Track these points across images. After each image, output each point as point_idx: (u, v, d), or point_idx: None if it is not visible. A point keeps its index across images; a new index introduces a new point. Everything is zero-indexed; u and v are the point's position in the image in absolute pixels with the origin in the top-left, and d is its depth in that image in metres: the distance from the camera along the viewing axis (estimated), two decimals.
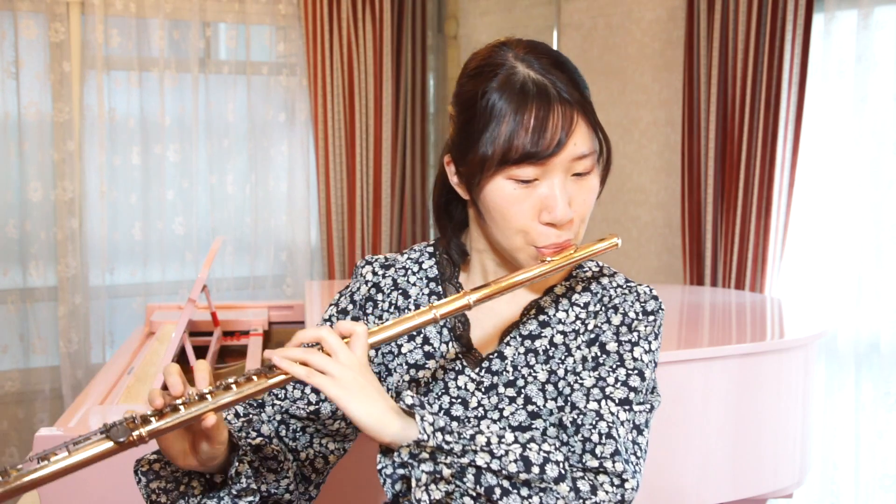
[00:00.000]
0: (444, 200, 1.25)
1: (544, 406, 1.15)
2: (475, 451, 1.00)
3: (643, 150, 3.98)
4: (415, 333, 1.24)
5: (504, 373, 1.18)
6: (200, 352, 2.73)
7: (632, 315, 1.16)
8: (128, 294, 4.01)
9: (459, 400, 1.19)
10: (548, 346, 1.18)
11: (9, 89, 3.69)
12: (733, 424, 2.47)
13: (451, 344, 1.22)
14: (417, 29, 4.44)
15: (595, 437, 1.08)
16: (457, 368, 1.20)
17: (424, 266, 1.28)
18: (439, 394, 1.20)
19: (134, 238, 3.95)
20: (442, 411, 1.19)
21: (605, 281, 1.21)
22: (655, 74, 3.89)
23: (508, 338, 1.19)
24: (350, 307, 1.28)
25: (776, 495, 2.64)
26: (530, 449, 1.02)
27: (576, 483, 1.04)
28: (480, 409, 1.17)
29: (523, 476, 1.00)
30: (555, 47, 4.68)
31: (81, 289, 3.85)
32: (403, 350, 1.24)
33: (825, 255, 3.36)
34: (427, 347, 1.23)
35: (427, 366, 1.22)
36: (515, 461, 1.00)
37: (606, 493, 1.04)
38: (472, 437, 1.01)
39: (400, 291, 1.26)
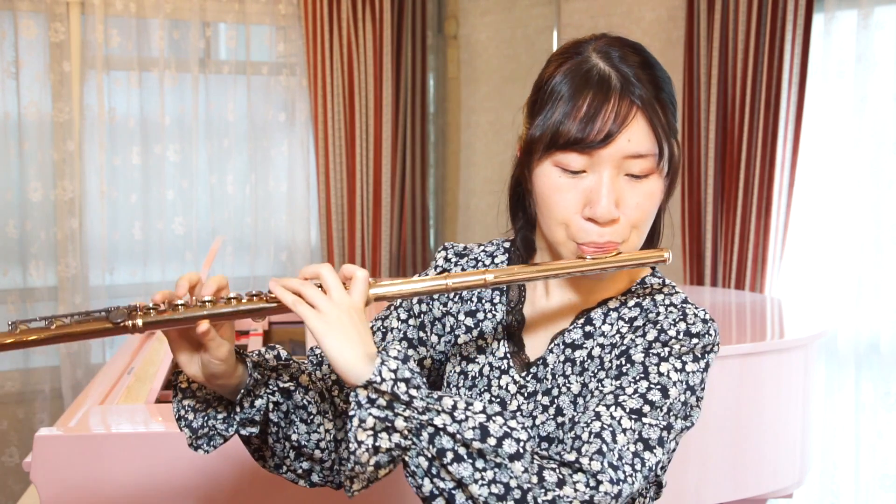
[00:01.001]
0: (518, 193, 1.22)
1: (573, 419, 1.11)
2: (438, 412, 0.96)
3: None
4: (472, 326, 1.22)
5: (544, 380, 1.15)
6: None
7: (671, 333, 1.09)
8: (128, 294, 4.00)
9: (498, 400, 1.17)
10: (585, 358, 1.13)
11: (9, 89, 3.69)
12: (733, 424, 2.47)
13: (503, 342, 1.20)
14: (417, 29, 4.44)
15: (585, 436, 1.02)
16: (502, 368, 1.18)
17: (497, 259, 1.26)
18: (482, 390, 1.18)
19: (134, 238, 3.95)
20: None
21: (659, 298, 1.14)
22: None
23: (553, 345, 1.16)
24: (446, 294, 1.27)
25: (776, 495, 2.64)
26: (494, 421, 0.97)
27: (542, 471, 0.97)
28: (519, 413, 1.15)
29: (477, 445, 0.95)
30: (555, 47, 4.66)
31: (81, 289, 3.85)
32: (460, 341, 1.22)
33: (825, 255, 3.36)
34: (480, 342, 1.21)
35: (477, 360, 1.20)
36: (473, 428, 0.96)
37: (575, 490, 0.97)
38: (440, 399, 0.98)
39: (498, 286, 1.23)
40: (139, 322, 1.01)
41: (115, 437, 1.86)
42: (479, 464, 0.95)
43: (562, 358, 1.15)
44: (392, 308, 1.28)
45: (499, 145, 4.39)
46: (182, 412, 1.15)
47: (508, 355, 1.19)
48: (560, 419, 1.12)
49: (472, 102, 4.54)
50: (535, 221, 1.18)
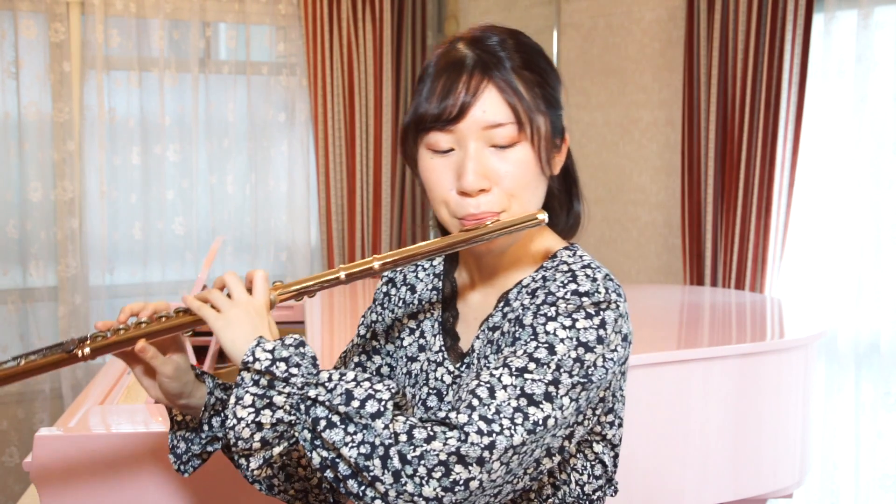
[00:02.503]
0: None
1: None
2: (315, 385, 1.02)
3: (643, 150, 3.98)
4: (414, 327, 1.27)
5: (473, 365, 1.19)
6: (201, 352, 2.73)
7: (559, 294, 1.08)
8: (128, 294, 4.01)
9: (435, 392, 1.21)
10: (500, 336, 1.16)
11: (9, 89, 3.69)
12: (733, 424, 2.47)
13: (438, 337, 1.24)
14: (417, 29, 4.44)
15: (463, 395, 1.03)
16: (438, 361, 1.22)
17: (435, 262, 1.31)
18: (421, 385, 1.23)
19: (134, 238, 3.95)
20: (421, 402, 1.22)
21: (562, 267, 1.14)
22: (655, 74, 3.89)
23: (479, 331, 1.20)
24: (373, 302, 1.36)
25: (776, 495, 2.64)
26: (360, 385, 1.01)
27: (413, 430, 0.98)
28: (454, 401, 1.18)
29: (342, 409, 0.99)
30: (555, 47, 4.66)
31: (81, 289, 3.85)
32: (405, 343, 1.27)
33: (825, 255, 3.36)
34: (421, 340, 1.26)
35: (419, 358, 1.25)
36: (341, 395, 1.00)
37: (443, 443, 0.97)
38: (318, 374, 1.04)
39: (408, 287, 1.31)
40: (87, 350, 1.12)
41: (115, 437, 1.86)
42: (350, 428, 0.99)
43: (485, 341, 1.18)
44: (359, 327, 1.37)
45: None
46: (175, 442, 1.25)
47: (444, 349, 1.23)
48: None
49: None
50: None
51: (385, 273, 1.31)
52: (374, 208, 4.31)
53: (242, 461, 1.04)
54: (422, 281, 1.30)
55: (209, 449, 1.23)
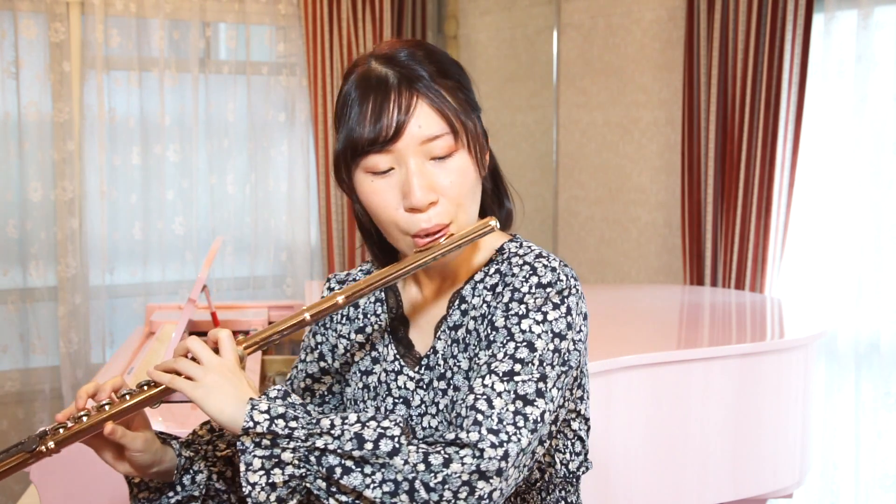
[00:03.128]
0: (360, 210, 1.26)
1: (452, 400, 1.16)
2: (319, 435, 1.02)
3: (643, 150, 3.98)
4: (363, 341, 1.27)
5: (436, 367, 1.19)
6: None
7: (524, 290, 1.12)
8: (128, 294, 4.01)
9: (402, 400, 1.21)
10: (465, 334, 1.17)
11: (9, 89, 3.69)
12: (733, 424, 2.47)
13: (390, 346, 1.24)
14: (417, 29, 4.44)
15: (463, 412, 1.06)
16: (396, 369, 1.22)
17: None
18: (384, 396, 1.22)
19: (134, 238, 3.95)
20: (388, 412, 1.21)
21: (515, 260, 1.17)
22: (655, 74, 3.89)
23: (440, 332, 1.20)
24: (315, 325, 1.34)
25: (776, 495, 2.64)
26: (368, 427, 1.02)
27: (427, 457, 1.01)
28: (423, 406, 1.19)
29: (357, 453, 1.00)
30: (555, 47, 4.66)
31: (81, 289, 3.85)
32: (356, 359, 1.27)
33: (825, 255, 3.36)
34: (374, 353, 1.26)
35: (374, 371, 1.25)
36: (350, 439, 1.01)
37: (463, 464, 1.00)
38: (318, 422, 1.04)
39: (351, 303, 1.29)
40: (51, 444, 1.09)
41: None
42: (367, 469, 1.01)
43: (449, 342, 1.19)
44: (300, 352, 1.36)
45: (498, 145, 4.38)
46: None
47: (399, 357, 1.23)
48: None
49: None
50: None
51: (325, 293, 1.33)
52: None
53: None
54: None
55: None
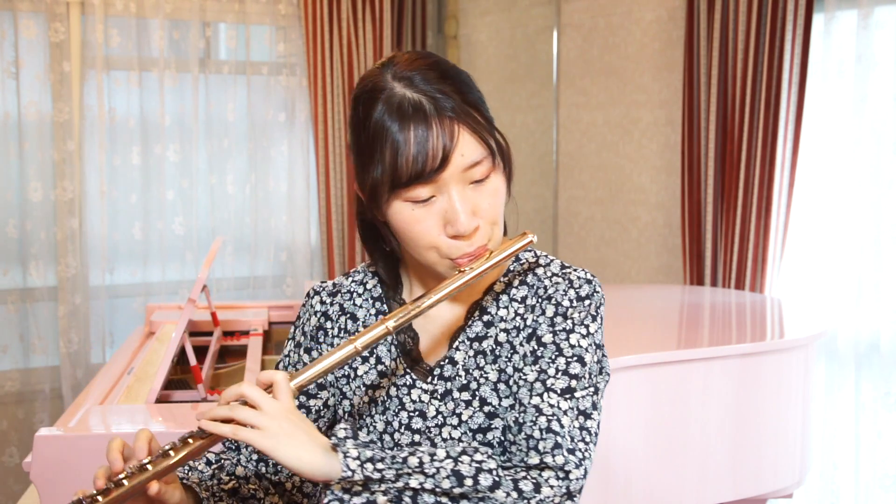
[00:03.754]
0: (368, 222, 1.23)
1: (500, 405, 1.15)
2: (409, 474, 1.01)
3: (643, 150, 3.98)
4: (368, 354, 1.24)
5: (457, 377, 1.18)
6: (200, 352, 2.73)
7: (565, 304, 1.16)
8: (128, 294, 4.01)
9: (417, 413, 1.19)
10: (494, 346, 1.18)
11: (9, 89, 3.69)
12: (733, 424, 2.47)
13: (398, 360, 1.22)
14: (417, 29, 4.44)
15: (536, 434, 1.08)
16: (408, 383, 1.21)
17: (368, 286, 1.28)
18: (396, 410, 1.20)
19: (134, 238, 3.95)
20: (403, 426, 1.19)
21: (539, 271, 1.20)
22: (655, 74, 3.89)
23: (457, 342, 1.19)
24: (303, 339, 1.29)
25: (776, 495, 2.64)
26: (461, 462, 1.02)
27: (517, 484, 1.04)
28: (439, 417, 1.18)
29: (457, 490, 1.01)
30: (555, 47, 4.65)
31: (81, 289, 3.85)
32: (359, 372, 1.24)
33: (825, 255, 3.36)
34: (380, 367, 1.23)
35: (381, 384, 1.23)
36: (448, 477, 1.01)
37: (551, 487, 1.04)
38: (405, 460, 1.02)
39: (348, 316, 1.27)
40: None
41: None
42: (463, 503, 1.02)
43: (471, 353, 1.18)
44: (281, 367, 1.31)
45: None
46: None
47: (408, 370, 1.21)
48: (487, 408, 1.16)
49: None
50: (394, 250, 1.23)
51: (315, 308, 1.29)
52: None
53: None
54: (361, 307, 1.27)
55: None
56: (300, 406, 1.27)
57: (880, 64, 3.14)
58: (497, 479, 1.02)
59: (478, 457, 1.03)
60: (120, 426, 2.02)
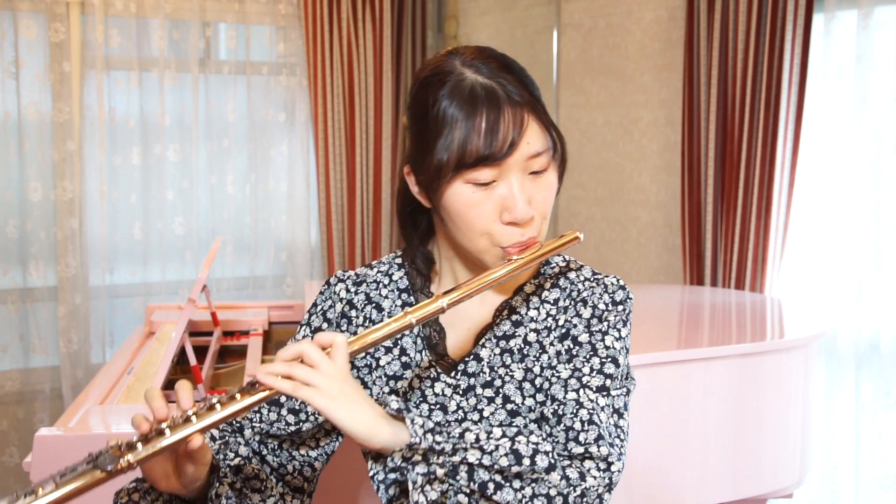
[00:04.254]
0: (409, 210, 1.25)
1: (523, 404, 1.16)
2: (465, 449, 1.01)
3: (643, 150, 3.98)
4: (391, 345, 1.24)
5: (481, 374, 1.19)
6: (200, 352, 2.73)
7: (601, 307, 1.18)
8: (128, 294, 4.01)
9: (438, 406, 1.20)
10: (522, 345, 1.19)
11: (9, 89, 3.69)
12: (733, 424, 2.47)
13: (423, 353, 1.23)
14: (417, 29, 4.44)
15: (577, 425, 1.09)
16: (432, 376, 1.21)
17: (395, 278, 1.28)
18: (417, 402, 1.21)
19: (134, 238, 3.95)
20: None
21: (572, 276, 1.23)
22: (655, 74, 3.89)
23: (483, 340, 1.20)
24: (325, 325, 1.28)
25: (776, 495, 2.64)
26: (519, 442, 1.03)
27: (565, 471, 1.05)
28: (460, 412, 1.18)
29: (515, 469, 1.01)
30: (555, 47, 4.66)
31: (81, 289, 3.85)
32: (381, 363, 1.24)
33: (825, 255, 3.36)
34: (404, 358, 1.23)
35: (404, 376, 1.23)
36: (506, 455, 1.01)
37: (594, 477, 1.06)
38: (462, 435, 1.03)
39: (373, 305, 1.27)
40: (131, 460, 0.97)
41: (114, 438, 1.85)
42: (516, 484, 1.02)
43: (497, 351, 1.19)
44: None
45: None
46: None
47: (433, 363, 1.22)
48: (510, 406, 1.17)
49: None
50: (430, 236, 1.27)
51: (340, 295, 1.29)
52: (374, 208, 4.31)
53: None
54: (387, 298, 1.27)
55: None
56: None
57: (880, 64, 3.14)
58: (553, 461, 1.03)
59: (533, 438, 1.04)
60: (120, 426, 2.02)
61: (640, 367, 2.31)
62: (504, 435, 1.03)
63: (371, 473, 1.01)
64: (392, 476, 1.01)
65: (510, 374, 1.18)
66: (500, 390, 1.17)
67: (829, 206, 3.33)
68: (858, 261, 3.22)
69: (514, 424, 1.16)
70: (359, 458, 1.92)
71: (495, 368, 1.18)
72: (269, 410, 1.24)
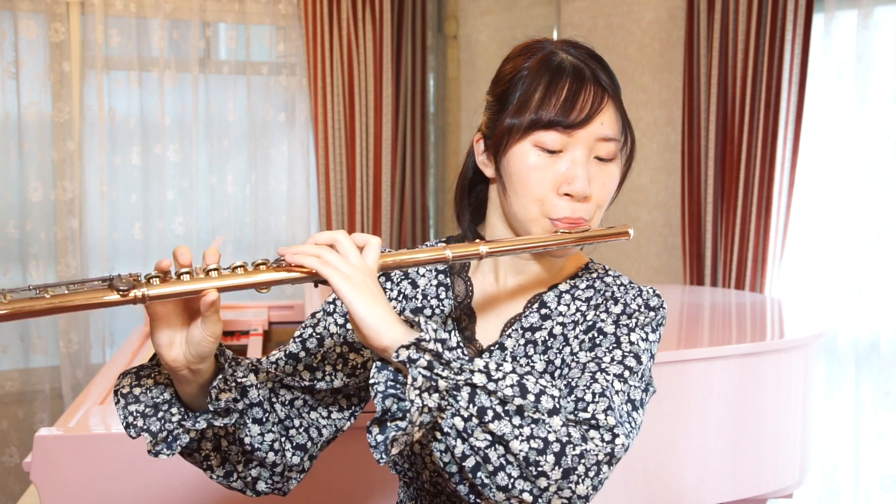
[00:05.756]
0: (468, 183, 1.27)
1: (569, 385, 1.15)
2: (473, 372, 0.98)
3: (643, 150, 3.98)
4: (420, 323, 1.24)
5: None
6: None
7: (633, 307, 1.17)
8: None
9: None
10: (547, 337, 1.19)
11: (9, 89, 3.69)
12: (733, 424, 2.47)
13: (453, 333, 1.22)
14: (417, 29, 4.44)
15: (588, 397, 1.06)
16: None
17: (439, 265, 1.29)
18: None
19: (134, 238, 3.95)
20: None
21: (609, 280, 1.23)
22: (655, 74, 3.89)
23: (510, 330, 1.21)
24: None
25: (776, 495, 2.64)
26: (528, 379, 1.00)
27: (568, 426, 1.00)
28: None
29: (518, 401, 0.97)
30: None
31: None
32: None
33: (825, 255, 3.36)
34: None
35: None
36: (512, 385, 0.98)
37: (596, 444, 1.00)
38: (472, 359, 1.00)
39: (409, 280, 1.29)
40: (146, 291, 0.96)
41: (115, 437, 1.85)
42: (516, 420, 0.97)
43: (521, 342, 1.20)
44: (324, 314, 1.28)
45: None
46: (131, 419, 1.11)
47: (460, 346, 1.20)
48: None
49: (472, 102, 4.54)
50: (482, 218, 1.27)
51: (385, 287, 1.29)
52: (374, 208, 4.31)
53: (389, 446, 0.97)
54: (424, 276, 1.29)
55: (217, 423, 1.09)
56: (339, 356, 1.24)
57: (880, 64, 3.14)
58: (558, 406, 1.00)
59: (543, 381, 1.01)
60: (120, 427, 2.01)
61: None
62: (514, 371, 1.00)
63: (372, 381, 0.98)
64: (391, 391, 0.97)
65: (531, 364, 1.18)
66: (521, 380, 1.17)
67: (829, 205, 3.33)
68: (858, 261, 3.22)
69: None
70: (359, 458, 1.92)
71: (517, 358, 1.19)
72: (286, 363, 1.22)
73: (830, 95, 3.30)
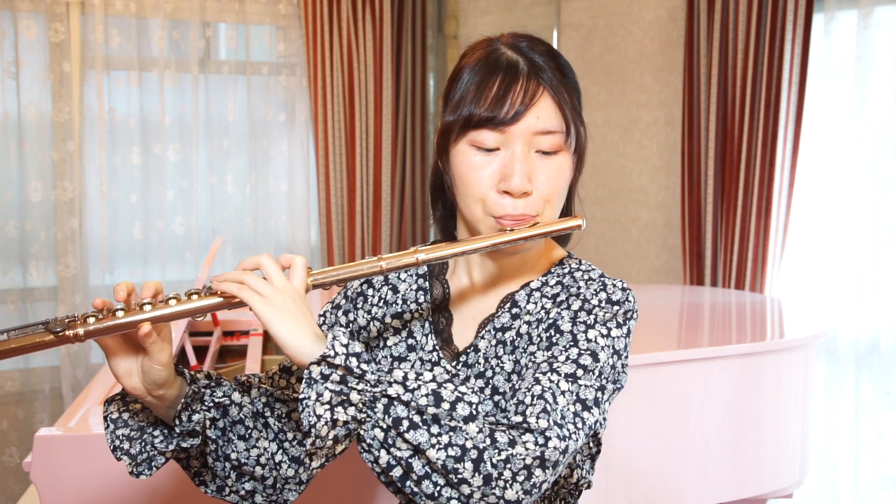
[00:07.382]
0: (439, 183, 1.27)
1: (513, 388, 1.16)
2: (390, 383, 1.00)
3: (643, 150, 3.98)
4: (400, 327, 1.26)
5: (476, 365, 1.20)
6: (200, 352, 2.73)
7: (593, 302, 1.15)
8: None
9: None
10: (515, 337, 1.19)
11: (9, 89, 3.69)
12: (733, 424, 2.47)
13: (430, 336, 1.24)
14: (417, 29, 4.44)
15: (527, 400, 1.05)
16: (433, 360, 1.23)
17: (410, 270, 1.30)
18: None
19: (134, 238, 3.95)
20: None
21: (578, 275, 1.21)
22: (655, 74, 3.89)
23: (484, 331, 1.21)
24: (343, 301, 1.32)
25: (776, 495, 2.64)
26: (445, 388, 1.01)
27: (494, 433, 1.00)
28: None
29: (432, 410, 0.98)
30: (555, 47, 4.70)
31: (81, 289, 3.85)
32: (389, 343, 1.26)
33: (825, 255, 3.36)
34: (410, 341, 1.25)
35: (408, 358, 1.24)
36: (426, 395, 0.99)
37: (526, 448, 1.00)
38: (390, 372, 1.02)
39: (390, 287, 1.30)
40: (80, 331, 1.02)
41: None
42: (434, 429, 0.99)
43: (493, 342, 1.20)
44: (324, 326, 1.31)
45: None
46: (117, 443, 1.17)
47: (437, 348, 1.23)
48: (497, 398, 1.17)
49: None
50: (455, 210, 1.25)
51: (361, 290, 1.31)
52: (374, 208, 4.31)
53: (307, 460, 1.02)
54: (404, 282, 1.29)
55: (184, 444, 1.15)
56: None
57: (880, 64, 3.14)
58: (475, 412, 1.00)
59: (462, 388, 1.02)
60: None
61: (640, 367, 2.31)
62: (433, 380, 1.01)
63: (301, 396, 1.00)
64: (314, 396, 0.99)
65: (501, 365, 1.18)
66: (490, 381, 1.18)
67: (829, 205, 3.33)
68: (858, 261, 3.22)
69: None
70: (362, 461, 1.92)
71: (489, 359, 1.19)
72: (280, 377, 1.25)
73: (830, 95, 3.30)
